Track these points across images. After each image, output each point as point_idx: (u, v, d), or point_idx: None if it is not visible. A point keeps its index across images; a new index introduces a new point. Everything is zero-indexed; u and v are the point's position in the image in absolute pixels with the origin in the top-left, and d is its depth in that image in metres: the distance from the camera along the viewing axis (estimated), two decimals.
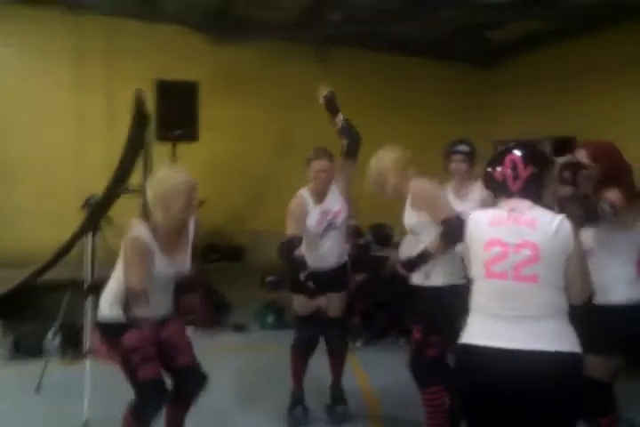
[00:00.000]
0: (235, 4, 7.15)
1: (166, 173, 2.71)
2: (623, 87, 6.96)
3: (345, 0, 7.02)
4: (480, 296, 2.12)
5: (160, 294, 2.72)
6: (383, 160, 3.08)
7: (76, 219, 6.96)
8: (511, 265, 2.02)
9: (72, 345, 4.68)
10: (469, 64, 9.17)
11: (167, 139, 5.55)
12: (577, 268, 2.06)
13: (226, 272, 7.05)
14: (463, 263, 2.78)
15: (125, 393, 3.61)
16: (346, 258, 3.78)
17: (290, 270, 3.54)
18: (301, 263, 3.34)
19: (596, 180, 2.64)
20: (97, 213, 3.99)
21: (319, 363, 3.72)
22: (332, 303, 3.61)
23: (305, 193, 3.60)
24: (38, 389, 4.01)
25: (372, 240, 5.27)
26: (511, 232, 2.05)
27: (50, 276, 5.36)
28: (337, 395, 3.69)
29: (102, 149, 7.42)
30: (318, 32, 7.84)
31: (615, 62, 6.99)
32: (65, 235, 5.29)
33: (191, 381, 2.90)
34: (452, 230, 2.70)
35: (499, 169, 2.15)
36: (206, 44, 7.98)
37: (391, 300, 5.20)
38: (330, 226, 3.58)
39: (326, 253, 3.62)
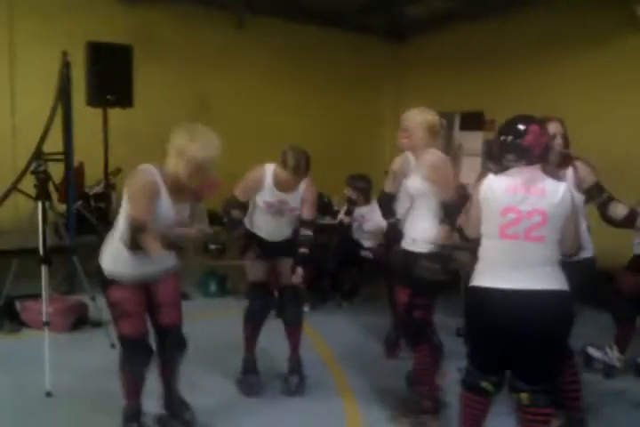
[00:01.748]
0: None
1: (210, 138, 2.65)
2: (529, 66, 7.49)
3: None
4: (491, 250, 2.48)
5: None
6: (419, 117, 3.12)
7: None
8: (523, 229, 2.38)
9: (9, 317, 4.57)
10: (384, 38, 9.38)
11: (99, 104, 5.31)
12: (572, 226, 2.47)
13: None
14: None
15: (81, 364, 3.59)
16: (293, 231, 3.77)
17: (244, 238, 3.61)
18: (234, 224, 3.49)
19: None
20: (46, 179, 3.82)
21: (278, 330, 3.76)
22: (284, 269, 3.67)
23: (269, 171, 3.49)
24: None
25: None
26: (524, 201, 2.38)
27: None
28: (293, 366, 3.73)
29: (6, 115, 6.98)
30: None
31: (520, 42, 7.46)
32: None
33: (170, 342, 2.95)
34: (454, 213, 2.90)
35: (526, 137, 2.43)
36: (118, 6, 7.59)
37: (333, 266, 5.42)
38: (279, 213, 3.58)
39: (271, 229, 3.65)
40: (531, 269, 2.39)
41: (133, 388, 2.90)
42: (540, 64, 7.32)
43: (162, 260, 2.75)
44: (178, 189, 2.72)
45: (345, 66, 8.93)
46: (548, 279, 2.40)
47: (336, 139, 8.57)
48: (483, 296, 2.45)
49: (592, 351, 4.02)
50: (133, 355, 2.81)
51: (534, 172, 2.44)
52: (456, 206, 2.94)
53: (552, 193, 2.38)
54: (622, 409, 3.48)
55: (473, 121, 8.08)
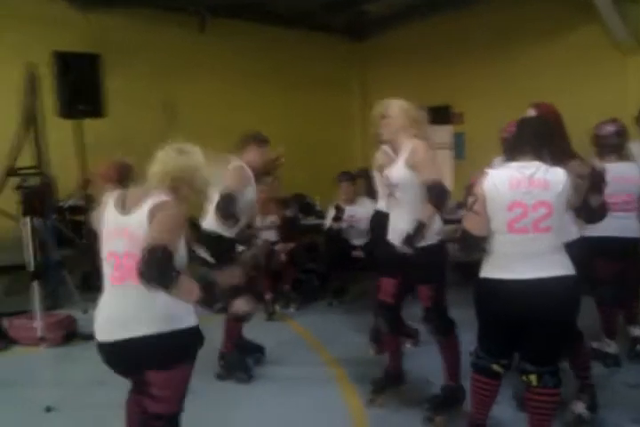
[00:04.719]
0: None
1: None
2: (493, 57, 7.61)
3: None
4: (501, 244, 2.51)
5: None
6: (399, 104, 3.08)
7: None
8: (531, 222, 2.44)
9: None
10: (347, 36, 9.41)
11: (70, 115, 5.18)
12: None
13: None
14: None
15: (77, 378, 3.56)
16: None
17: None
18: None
19: None
20: (33, 195, 3.75)
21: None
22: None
23: (247, 168, 3.61)
24: None
25: (297, 210, 5.44)
26: (529, 195, 2.43)
27: None
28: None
29: None
30: (195, 1, 7.64)
31: (483, 34, 7.57)
32: None
33: None
34: (439, 193, 2.91)
35: None
36: (74, 12, 7.42)
37: (324, 269, 5.41)
38: None
39: None
40: (540, 258, 2.45)
41: None
42: (505, 55, 7.44)
43: None
44: None
45: (310, 65, 8.91)
46: (557, 266, 2.48)
47: (306, 139, 8.54)
48: (495, 286, 2.51)
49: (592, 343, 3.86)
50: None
51: (536, 162, 2.48)
52: (440, 188, 2.90)
53: (554, 184, 2.44)
54: (618, 390, 3.51)
55: (441, 115, 8.16)
